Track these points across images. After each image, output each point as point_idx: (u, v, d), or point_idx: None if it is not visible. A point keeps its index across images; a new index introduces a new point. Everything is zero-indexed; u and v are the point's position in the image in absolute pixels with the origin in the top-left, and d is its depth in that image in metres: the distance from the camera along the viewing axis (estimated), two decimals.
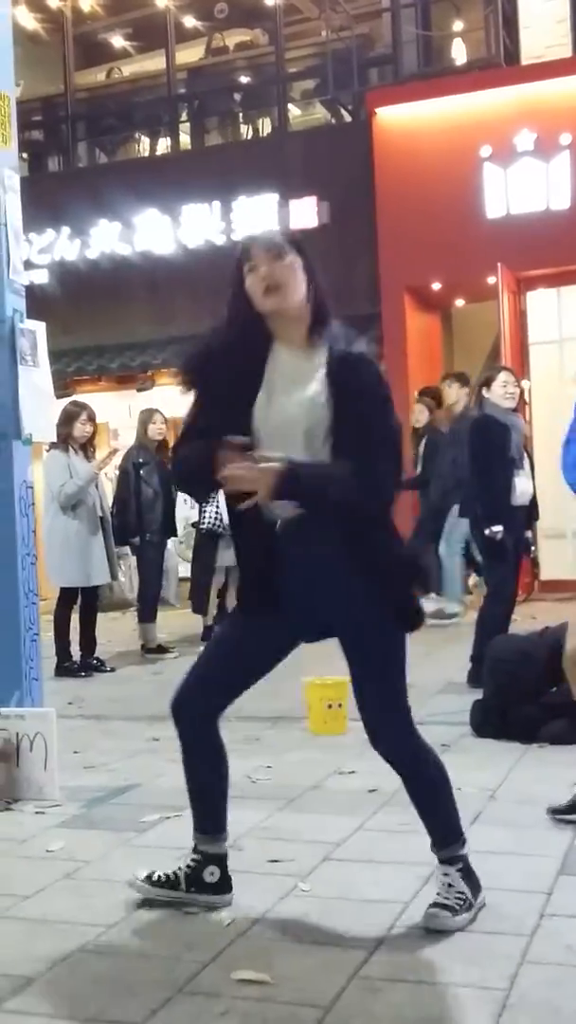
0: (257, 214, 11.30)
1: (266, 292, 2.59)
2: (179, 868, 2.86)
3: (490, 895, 2.81)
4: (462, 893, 2.67)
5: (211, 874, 2.84)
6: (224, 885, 2.85)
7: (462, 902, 2.66)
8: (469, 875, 2.72)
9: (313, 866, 3.12)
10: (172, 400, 12.45)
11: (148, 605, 7.68)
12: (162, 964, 2.51)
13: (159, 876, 2.87)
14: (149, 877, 2.88)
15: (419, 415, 9.21)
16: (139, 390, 11.74)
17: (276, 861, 3.19)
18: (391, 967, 2.44)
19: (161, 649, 7.62)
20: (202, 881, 2.83)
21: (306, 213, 11.24)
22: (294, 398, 2.59)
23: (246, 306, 2.62)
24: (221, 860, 2.86)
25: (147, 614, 7.71)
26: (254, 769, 4.31)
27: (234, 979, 2.41)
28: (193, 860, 2.85)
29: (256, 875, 3.09)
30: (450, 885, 2.68)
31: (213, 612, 7.91)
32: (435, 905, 2.65)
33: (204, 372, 2.66)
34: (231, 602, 7.95)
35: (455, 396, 8.75)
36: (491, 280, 9.89)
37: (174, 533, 8.00)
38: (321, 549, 2.56)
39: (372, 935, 2.61)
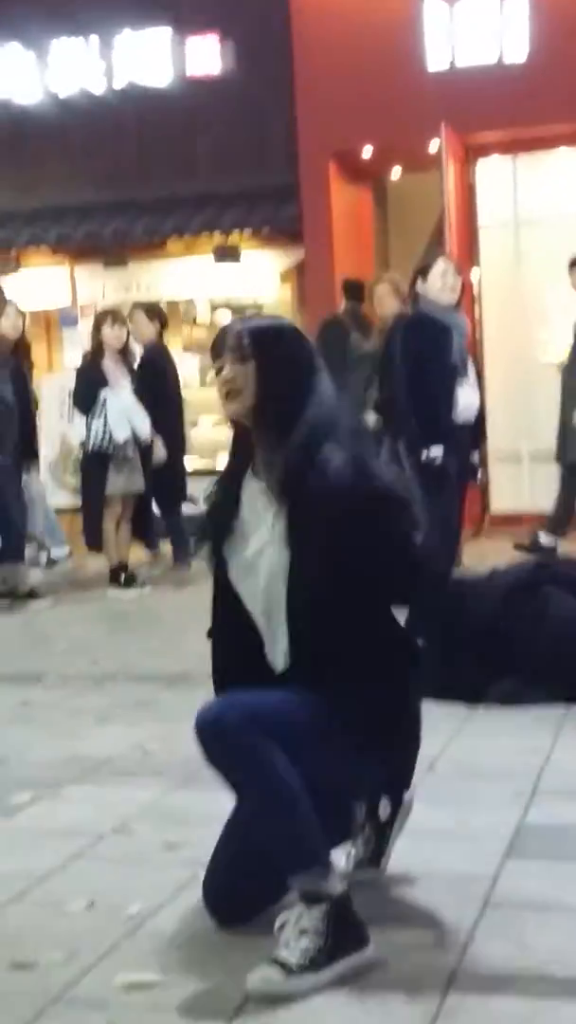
0: (145, 53, 11.05)
1: (226, 397, 2.69)
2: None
3: (427, 882, 2.91)
4: (312, 948, 2.45)
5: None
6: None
7: (306, 961, 2.44)
8: (342, 923, 2.50)
9: None
10: (41, 287, 12.27)
11: (7, 543, 7.62)
12: (35, 971, 2.55)
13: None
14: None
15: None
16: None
17: (172, 846, 3.24)
18: None
19: (30, 595, 7.60)
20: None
21: (206, 55, 11.02)
22: (251, 544, 2.69)
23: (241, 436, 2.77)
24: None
25: (6, 553, 7.65)
26: (147, 739, 4.36)
27: (120, 985, 2.47)
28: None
29: (149, 863, 3.15)
30: (302, 932, 2.47)
31: (113, 550, 7.89)
32: (270, 961, 2.45)
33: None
34: (123, 535, 7.94)
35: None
36: (433, 145, 9.86)
37: (35, 456, 7.90)
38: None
39: None
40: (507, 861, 3.07)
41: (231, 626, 2.80)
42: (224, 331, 2.74)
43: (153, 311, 8.70)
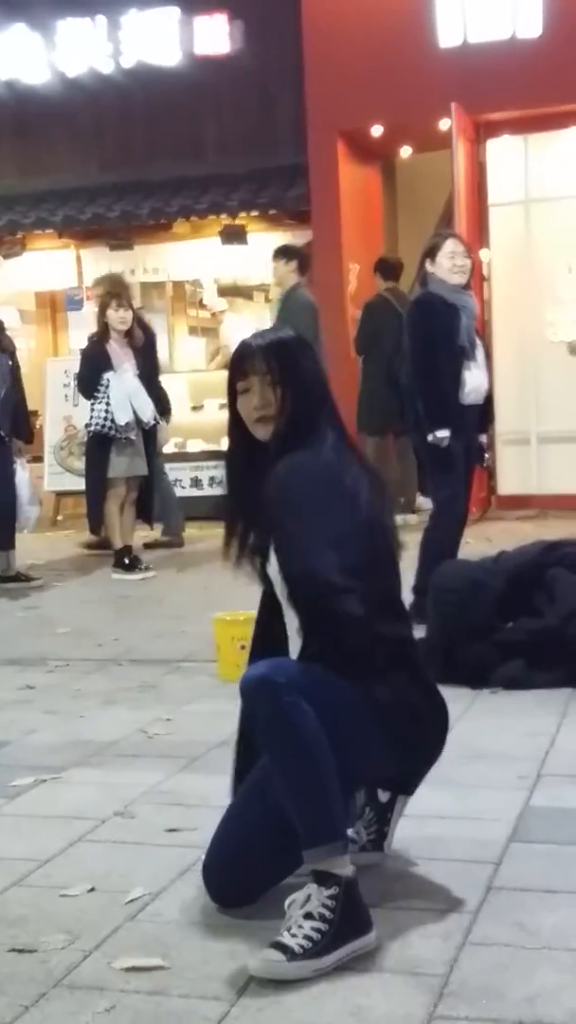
0: (153, 34, 11.04)
1: (259, 421, 2.72)
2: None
3: (431, 866, 2.91)
4: (316, 932, 2.43)
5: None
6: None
7: (309, 944, 2.42)
8: (349, 908, 2.48)
9: None
10: (47, 269, 12.24)
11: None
12: (36, 955, 2.56)
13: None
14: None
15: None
16: (5, 257, 11.50)
17: (175, 830, 3.25)
18: None
19: (22, 578, 7.59)
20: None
21: (215, 34, 11.02)
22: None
23: (244, 428, 2.77)
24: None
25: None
26: (150, 722, 4.37)
27: (121, 969, 2.47)
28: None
29: (151, 847, 3.15)
30: (308, 916, 2.46)
31: (117, 533, 7.89)
32: (273, 944, 2.44)
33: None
34: (127, 518, 7.94)
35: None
36: (444, 124, 9.82)
37: (27, 438, 7.87)
38: None
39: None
40: (511, 844, 3.07)
41: (271, 615, 2.87)
42: (245, 350, 2.75)
43: None
